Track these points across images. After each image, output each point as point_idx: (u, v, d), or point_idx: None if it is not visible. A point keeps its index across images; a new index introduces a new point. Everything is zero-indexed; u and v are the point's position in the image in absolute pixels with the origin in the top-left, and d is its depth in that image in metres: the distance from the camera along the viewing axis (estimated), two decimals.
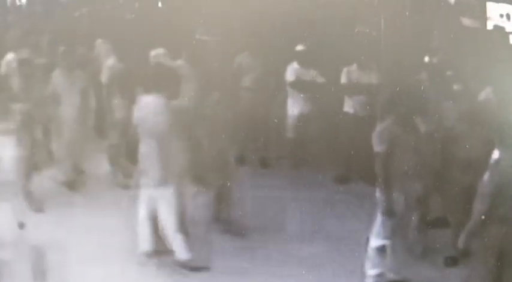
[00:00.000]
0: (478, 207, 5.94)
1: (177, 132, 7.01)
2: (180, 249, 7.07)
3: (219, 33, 10.35)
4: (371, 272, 6.83)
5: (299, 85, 9.38)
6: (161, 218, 7.07)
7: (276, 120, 9.83)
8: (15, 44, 9.84)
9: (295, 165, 9.63)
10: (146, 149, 6.99)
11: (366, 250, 6.83)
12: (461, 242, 6.15)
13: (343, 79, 9.17)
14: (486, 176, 5.91)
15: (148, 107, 7.03)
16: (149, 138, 6.97)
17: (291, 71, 9.41)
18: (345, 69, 9.17)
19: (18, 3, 14.14)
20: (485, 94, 7.70)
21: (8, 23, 12.35)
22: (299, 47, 9.42)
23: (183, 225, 7.18)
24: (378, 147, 6.61)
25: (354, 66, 9.16)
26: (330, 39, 9.70)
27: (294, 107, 9.58)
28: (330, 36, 9.79)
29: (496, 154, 5.91)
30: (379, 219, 6.65)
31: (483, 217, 5.96)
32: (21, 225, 7.62)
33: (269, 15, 10.59)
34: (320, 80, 9.33)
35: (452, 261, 7.20)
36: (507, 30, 9.64)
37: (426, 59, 8.87)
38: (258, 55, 9.74)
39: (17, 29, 10.84)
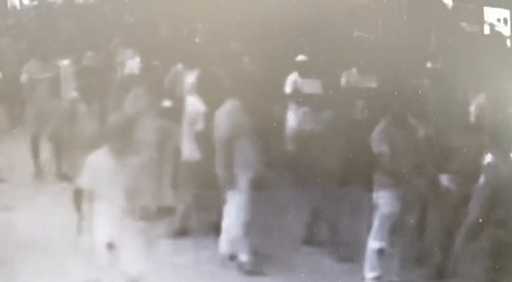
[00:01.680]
0: (475, 210, 5.98)
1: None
2: (242, 252, 7.26)
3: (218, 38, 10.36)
4: (369, 274, 6.87)
5: (298, 97, 9.28)
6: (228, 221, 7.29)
7: (275, 124, 9.80)
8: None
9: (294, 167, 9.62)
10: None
11: (364, 253, 6.88)
12: (458, 245, 6.19)
13: (343, 83, 9.20)
14: (481, 180, 5.95)
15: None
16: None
17: (291, 82, 9.33)
18: (344, 73, 9.20)
19: (18, 7, 14.06)
20: (483, 98, 7.75)
21: (8, 26, 12.28)
22: (300, 57, 9.34)
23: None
24: (377, 148, 6.66)
25: (353, 71, 9.19)
26: (329, 44, 9.73)
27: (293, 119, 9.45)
28: (329, 41, 9.82)
29: (489, 157, 5.95)
30: (377, 222, 6.70)
31: (480, 220, 6.00)
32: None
33: (267, 21, 10.60)
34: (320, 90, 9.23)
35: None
36: (504, 34, 9.69)
37: (429, 64, 8.91)
38: (257, 61, 9.73)
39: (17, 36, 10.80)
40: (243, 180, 7.22)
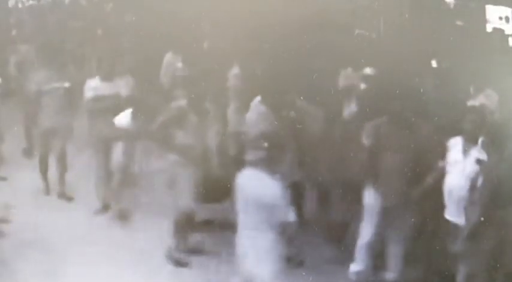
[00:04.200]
0: (474, 209, 5.98)
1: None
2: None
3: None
4: (354, 268, 6.90)
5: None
6: None
7: None
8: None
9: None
10: None
11: (354, 248, 6.91)
12: (458, 244, 6.18)
13: (341, 81, 9.18)
14: (480, 179, 5.96)
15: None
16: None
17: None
18: (342, 72, 9.18)
19: (20, 5, 14.05)
20: (483, 97, 7.74)
21: (9, 25, 12.27)
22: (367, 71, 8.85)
23: None
24: (367, 140, 6.68)
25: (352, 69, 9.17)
26: (330, 42, 9.72)
27: None
28: (330, 39, 9.81)
29: (484, 156, 5.97)
30: (366, 217, 6.70)
31: (482, 219, 5.99)
32: None
33: (267, 21, 10.60)
34: None
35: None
36: (506, 32, 9.70)
37: (434, 63, 8.91)
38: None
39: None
40: None
